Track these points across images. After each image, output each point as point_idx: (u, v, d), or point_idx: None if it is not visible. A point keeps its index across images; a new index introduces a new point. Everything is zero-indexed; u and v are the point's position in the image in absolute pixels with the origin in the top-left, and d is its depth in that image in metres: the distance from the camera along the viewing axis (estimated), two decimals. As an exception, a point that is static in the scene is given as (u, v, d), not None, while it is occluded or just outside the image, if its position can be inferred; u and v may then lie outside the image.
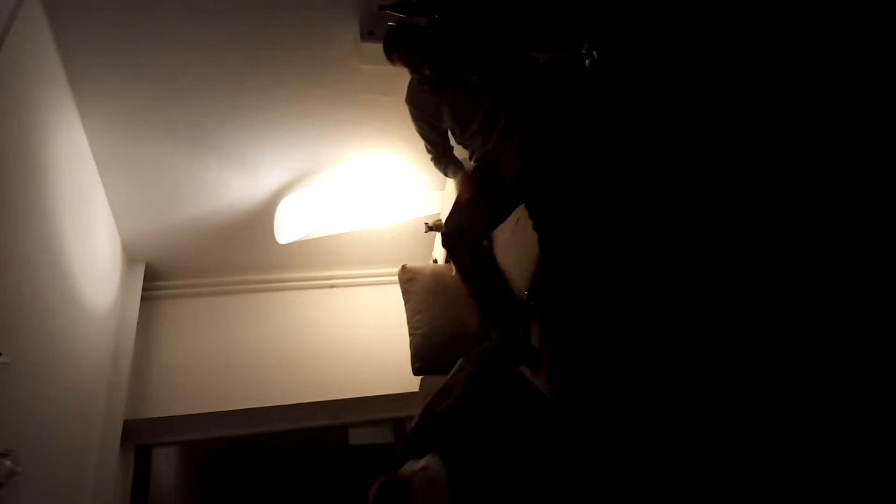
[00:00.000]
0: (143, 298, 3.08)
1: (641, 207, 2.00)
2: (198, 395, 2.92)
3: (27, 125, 2.03)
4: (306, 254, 3.27)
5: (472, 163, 2.39)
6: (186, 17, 2.29)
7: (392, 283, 3.08)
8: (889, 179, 1.44)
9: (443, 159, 2.45)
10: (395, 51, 2.14)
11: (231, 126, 2.67)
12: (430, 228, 2.87)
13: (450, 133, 2.39)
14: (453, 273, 2.81)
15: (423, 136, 2.40)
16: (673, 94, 2.09)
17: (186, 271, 3.26)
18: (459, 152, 2.49)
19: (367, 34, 2.38)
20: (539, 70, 2.26)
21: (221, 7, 2.29)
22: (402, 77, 2.61)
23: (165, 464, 3.64)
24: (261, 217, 3.07)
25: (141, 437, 2.89)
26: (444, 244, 2.54)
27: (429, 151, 2.45)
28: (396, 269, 2.91)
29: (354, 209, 2.96)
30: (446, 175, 2.52)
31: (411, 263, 2.92)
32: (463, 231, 2.42)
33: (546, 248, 2.13)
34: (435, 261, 3.22)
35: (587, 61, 2.33)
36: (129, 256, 3.12)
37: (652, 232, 1.96)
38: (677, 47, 2.10)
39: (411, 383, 2.71)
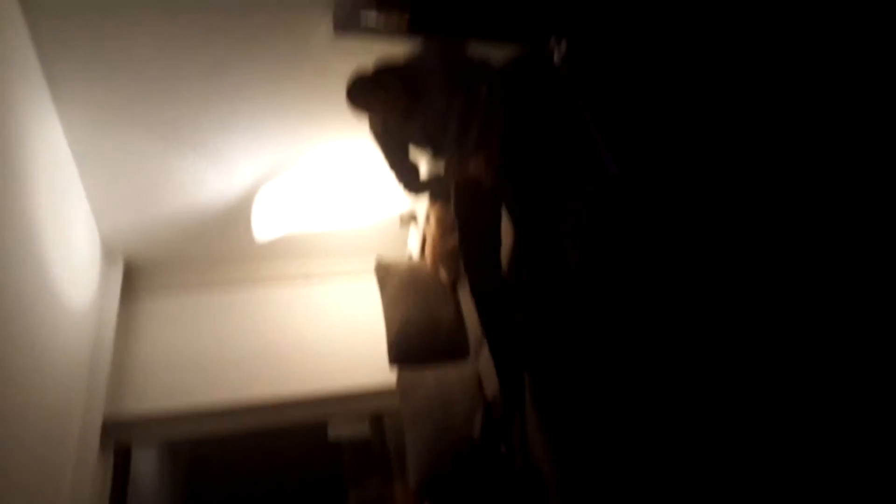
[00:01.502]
0: (122, 293, 3.08)
1: (624, 210, 2.00)
2: (177, 392, 2.91)
3: (3, 121, 2.04)
4: (283, 246, 3.28)
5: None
6: (161, 15, 2.32)
7: (368, 274, 3.10)
8: (889, 179, 1.45)
9: (415, 184, 2.35)
10: (368, 104, 2.09)
11: (207, 120, 2.69)
12: (404, 222, 2.89)
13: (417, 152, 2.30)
14: (428, 266, 2.82)
15: (395, 163, 2.28)
16: (645, 89, 2.11)
17: (166, 266, 3.26)
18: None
19: (340, 28, 2.41)
20: (507, 71, 2.26)
21: (196, 4, 2.32)
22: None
23: (145, 463, 3.62)
24: (238, 210, 3.07)
25: (120, 436, 2.87)
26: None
27: (401, 176, 2.33)
28: (373, 264, 2.93)
29: (331, 204, 2.97)
30: (419, 194, 2.46)
31: (387, 255, 2.93)
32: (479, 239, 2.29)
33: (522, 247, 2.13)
34: (410, 257, 3.24)
35: (555, 55, 2.36)
36: (108, 252, 3.12)
37: (638, 241, 1.95)
38: (649, 41, 2.13)
39: (390, 377, 2.72)
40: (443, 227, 2.69)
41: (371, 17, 2.40)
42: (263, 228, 3.01)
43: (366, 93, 2.05)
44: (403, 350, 2.64)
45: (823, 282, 1.53)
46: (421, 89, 2.08)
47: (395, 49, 2.46)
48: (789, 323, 1.59)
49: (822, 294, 1.53)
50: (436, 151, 2.28)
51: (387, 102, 2.05)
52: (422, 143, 2.24)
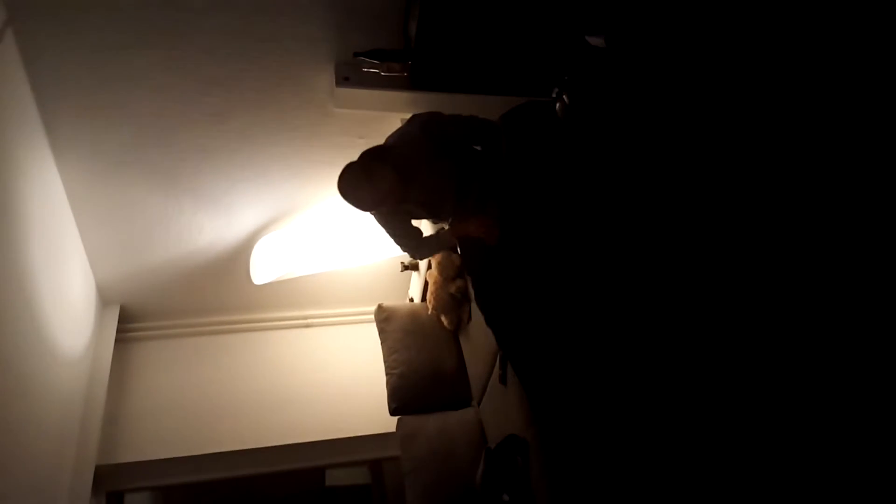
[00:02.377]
0: (117, 340, 3.05)
1: (623, 261, 2.02)
2: (171, 439, 2.87)
3: (-1, 167, 2.04)
4: (282, 294, 3.27)
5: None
6: (161, 65, 2.33)
7: (368, 321, 3.09)
8: (889, 179, 1.46)
9: (421, 245, 2.27)
10: (360, 199, 1.98)
11: (206, 169, 2.69)
12: (405, 268, 2.89)
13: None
14: (430, 312, 2.82)
15: (397, 234, 2.21)
16: (646, 137, 2.15)
17: (162, 313, 3.24)
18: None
19: (342, 80, 2.43)
20: (505, 125, 2.29)
21: (197, 54, 2.33)
22: (377, 121, 2.68)
23: (138, 508, 3.55)
24: (236, 258, 3.07)
25: (112, 483, 2.81)
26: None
27: (405, 246, 2.25)
28: (373, 308, 2.92)
29: (329, 249, 2.98)
30: (427, 255, 2.43)
31: (388, 302, 2.93)
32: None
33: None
34: (411, 299, 3.23)
35: (557, 105, 2.40)
36: (104, 298, 3.09)
37: (636, 290, 1.97)
38: (649, 92, 2.17)
39: (389, 423, 2.70)
40: (445, 274, 2.70)
41: (372, 69, 2.43)
42: (261, 272, 3.00)
43: (357, 188, 1.94)
44: (404, 399, 2.62)
45: (821, 286, 1.55)
46: (412, 171, 2.00)
47: (395, 99, 2.52)
48: (789, 325, 1.61)
49: (820, 296, 1.55)
50: (436, 220, 2.28)
51: (379, 193, 1.94)
52: (421, 216, 2.22)
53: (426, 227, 2.59)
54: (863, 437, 1.42)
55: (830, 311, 1.53)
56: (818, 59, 1.63)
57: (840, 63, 1.58)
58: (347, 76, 2.44)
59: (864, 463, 1.40)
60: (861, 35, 1.55)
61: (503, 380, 2.34)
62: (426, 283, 2.84)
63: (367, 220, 2.97)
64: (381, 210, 2.10)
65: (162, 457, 2.83)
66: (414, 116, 2.13)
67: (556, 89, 2.41)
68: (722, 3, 1.92)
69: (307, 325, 3.38)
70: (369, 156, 1.98)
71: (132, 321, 3.20)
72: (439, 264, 2.70)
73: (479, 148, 2.18)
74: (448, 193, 2.12)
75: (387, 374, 2.70)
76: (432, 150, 2.05)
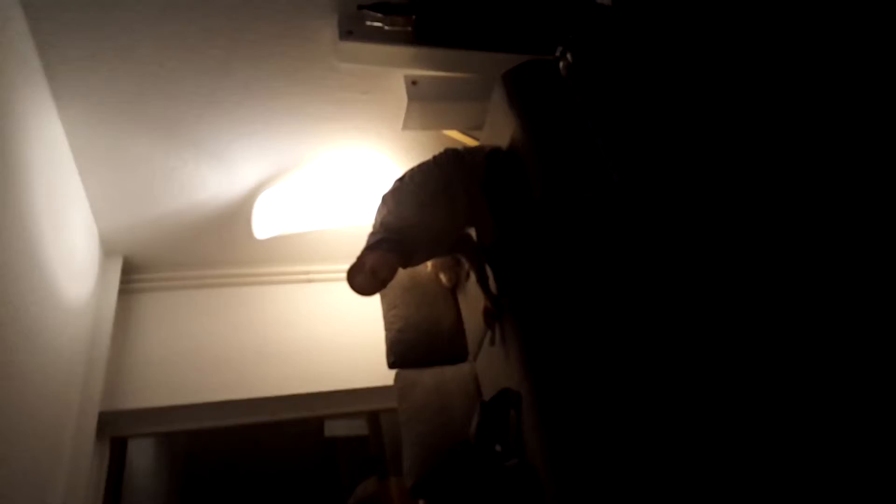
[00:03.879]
0: (120, 291, 3.08)
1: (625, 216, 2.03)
2: (174, 388, 2.93)
3: (2, 117, 2.03)
4: (284, 248, 3.29)
5: None
6: (165, 15, 2.30)
7: (369, 278, 3.11)
8: (889, 179, 1.47)
9: None
10: (374, 290, 2.19)
11: (209, 121, 2.68)
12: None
13: None
14: (428, 269, 2.86)
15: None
16: (648, 98, 2.14)
17: (164, 264, 3.26)
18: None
19: (346, 33, 2.41)
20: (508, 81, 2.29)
21: (201, 3, 2.30)
22: (379, 76, 2.66)
23: (141, 455, 3.65)
24: (238, 212, 3.08)
25: (116, 429, 2.89)
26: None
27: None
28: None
29: (332, 205, 2.99)
30: None
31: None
32: None
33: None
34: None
35: (561, 64, 2.39)
36: (107, 249, 3.11)
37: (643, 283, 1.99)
38: (654, 53, 2.16)
39: (387, 377, 2.76)
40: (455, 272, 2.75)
41: (377, 22, 2.41)
42: (263, 226, 3.03)
43: (368, 288, 2.15)
44: (402, 354, 2.68)
45: (822, 287, 1.57)
46: (409, 245, 2.18)
47: (398, 55, 2.50)
48: (788, 329, 1.63)
49: (820, 299, 1.57)
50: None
51: (387, 278, 2.15)
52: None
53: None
54: (866, 438, 1.44)
55: (831, 311, 1.54)
56: (819, 29, 1.63)
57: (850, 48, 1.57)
58: (351, 29, 2.41)
59: (866, 463, 1.43)
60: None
61: (492, 340, 2.40)
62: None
63: (369, 178, 3.01)
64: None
65: (165, 405, 2.90)
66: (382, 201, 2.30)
67: (561, 48, 2.40)
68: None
69: (308, 280, 3.41)
70: (365, 254, 2.16)
71: (135, 272, 3.22)
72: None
73: None
74: (446, 241, 2.29)
75: (386, 329, 2.75)
76: (423, 203, 2.20)
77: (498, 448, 2.25)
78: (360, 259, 2.14)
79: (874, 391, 1.43)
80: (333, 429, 3.82)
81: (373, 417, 3.41)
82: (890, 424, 1.39)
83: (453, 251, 2.47)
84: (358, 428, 3.63)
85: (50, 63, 2.34)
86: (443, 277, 2.80)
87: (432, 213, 2.19)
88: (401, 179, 2.30)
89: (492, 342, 2.43)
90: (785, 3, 1.73)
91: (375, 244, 2.16)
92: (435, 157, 2.30)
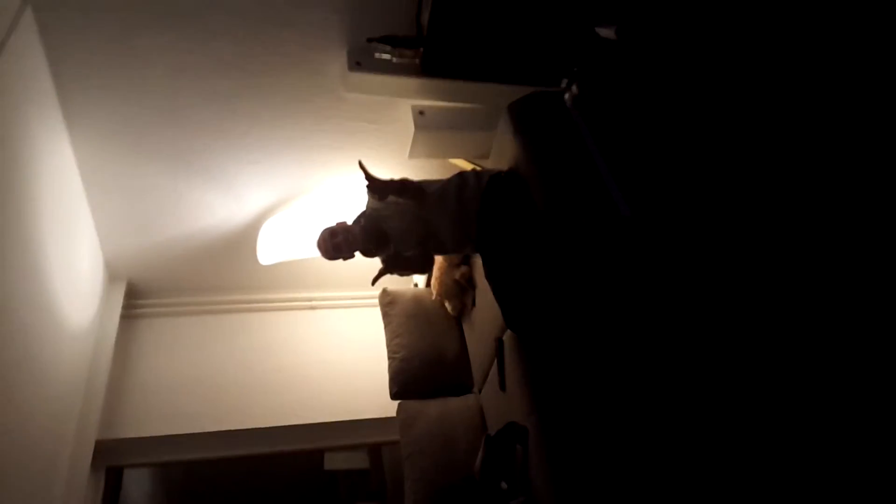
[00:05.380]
0: (122, 317, 3.07)
1: (630, 248, 2.03)
2: (173, 416, 2.89)
3: (13, 139, 2.06)
4: (287, 275, 3.29)
5: None
6: (179, 45, 2.35)
7: (372, 305, 3.10)
8: (889, 179, 1.47)
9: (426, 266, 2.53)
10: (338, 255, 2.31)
11: (218, 148, 2.71)
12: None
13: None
14: (434, 297, 2.84)
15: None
16: (654, 130, 2.15)
17: (168, 290, 3.26)
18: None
19: (355, 64, 2.45)
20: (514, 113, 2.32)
21: (214, 36, 2.36)
22: (387, 106, 2.70)
23: (136, 486, 3.58)
24: (243, 238, 3.09)
25: (112, 458, 2.83)
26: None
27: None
28: (377, 292, 2.94)
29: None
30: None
31: (392, 286, 2.94)
32: None
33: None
34: (416, 285, 3.25)
35: (566, 96, 2.42)
36: (112, 274, 3.12)
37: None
38: (658, 86, 2.18)
39: (389, 407, 2.72)
40: (449, 259, 2.72)
41: (385, 55, 2.45)
42: (268, 253, 3.02)
43: (323, 244, 2.30)
44: (405, 384, 2.63)
45: (822, 286, 1.55)
46: (383, 232, 2.29)
47: (406, 86, 2.53)
48: (785, 325, 1.61)
49: (820, 296, 1.55)
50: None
51: (340, 249, 2.28)
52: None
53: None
54: (865, 439, 1.42)
55: (831, 311, 1.53)
56: (824, 55, 1.64)
57: (847, 58, 1.59)
58: (360, 61, 2.46)
59: (865, 463, 1.40)
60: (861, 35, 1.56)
61: (502, 386, 2.35)
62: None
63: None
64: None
65: (162, 434, 2.85)
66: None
67: (566, 80, 2.43)
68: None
69: (312, 308, 3.40)
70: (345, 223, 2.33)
71: (138, 297, 3.22)
72: (444, 251, 2.70)
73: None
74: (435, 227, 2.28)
75: (389, 357, 2.72)
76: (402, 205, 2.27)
77: (504, 485, 2.18)
78: (340, 223, 2.32)
79: (873, 392, 1.41)
80: (334, 462, 3.74)
81: (374, 450, 3.34)
82: (889, 425, 1.36)
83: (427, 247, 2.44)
84: (359, 461, 3.56)
85: (64, 91, 2.39)
86: (448, 306, 2.77)
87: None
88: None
89: (500, 386, 2.38)
90: (788, 38, 1.75)
91: (356, 218, 2.32)
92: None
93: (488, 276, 2.23)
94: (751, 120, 1.85)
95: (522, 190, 2.21)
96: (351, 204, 3.02)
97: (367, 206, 2.38)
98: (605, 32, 2.29)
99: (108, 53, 2.32)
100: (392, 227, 2.30)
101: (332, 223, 2.34)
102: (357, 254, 2.36)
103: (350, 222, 2.35)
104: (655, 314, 1.89)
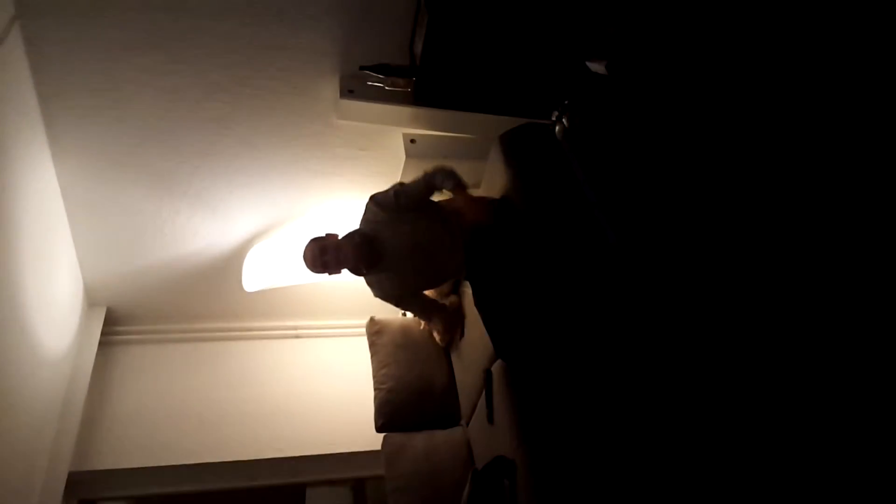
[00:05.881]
0: (101, 343, 2.99)
1: (619, 275, 2.02)
2: (149, 448, 2.79)
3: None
4: (272, 303, 3.24)
5: None
6: (168, 69, 2.34)
7: (359, 335, 3.05)
8: (889, 179, 1.47)
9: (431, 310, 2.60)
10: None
11: (204, 173, 2.68)
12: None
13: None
14: (422, 328, 2.80)
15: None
16: (643, 161, 2.17)
17: (149, 317, 3.18)
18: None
19: (347, 92, 2.46)
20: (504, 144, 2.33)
21: (203, 59, 2.35)
22: (378, 134, 2.70)
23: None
24: (228, 265, 3.04)
25: (85, 491, 2.72)
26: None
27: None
28: (364, 321, 2.89)
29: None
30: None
31: (380, 316, 2.90)
32: None
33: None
34: (404, 314, 3.21)
35: (556, 128, 2.44)
36: (91, 299, 3.04)
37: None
38: (648, 120, 2.21)
39: (374, 440, 2.65)
40: (439, 290, 2.69)
41: (377, 83, 2.46)
42: (253, 279, 2.98)
43: (309, 256, 2.27)
44: (391, 416, 2.57)
45: (820, 290, 1.54)
46: (377, 250, 2.28)
47: (398, 114, 2.54)
48: (785, 325, 1.60)
49: (819, 298, 1.54)
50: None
51: (329, 267, 2.27)
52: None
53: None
54: (862, 440, 1.41)
55: (830, 312, 1.53)
56: (817, 84, 1.67)
57: (838, 77, 1.62)
58: (352, 89, 2.47)
59: (864, 464, 1.39)
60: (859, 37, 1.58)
61: (490, 419, 2.31)
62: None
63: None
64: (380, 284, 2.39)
65: (139, 465, 2.75)
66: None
67: (556, 112, 2.46)
68: (722, 33, 1.97)
69: (296, 336, 3.34)
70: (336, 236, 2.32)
71: (118, 324, 3.14)
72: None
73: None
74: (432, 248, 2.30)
75: (375, 388, 2.66)
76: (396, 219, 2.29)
77: None
78: (331, 236, 2.29)
79: (873, 394, 1.40)
80: (316, 498, 3.63)
81: (358, 485, 3.24)
82: (890, 424, 1.35)
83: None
84: (342, 497, 3.45)
85: (50, 112, 2.35)
86: (437, 336, 2.73)
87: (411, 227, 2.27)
88: (396, 194, 2.29)
89: (488, 419, 2.34)
90: (775, 76, 1.78)
91: (350, 234, 2.29)
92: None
93: (477, 305, 2.21)
94: (737, 155, 1.87)
95: (511, 220, 2.21)
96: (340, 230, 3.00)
97: (364, 223, 2.34)
98: (596, 67, 2.33)
99: (94, 73, 2.29)
100: (388, 248, 2.25)
101: (322, 233, 2.31)
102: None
103: (341, 235, 2.31)
104: (643, 341, 1.88)
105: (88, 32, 2.19)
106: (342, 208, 2.96)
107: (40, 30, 2.15)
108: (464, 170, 2.70)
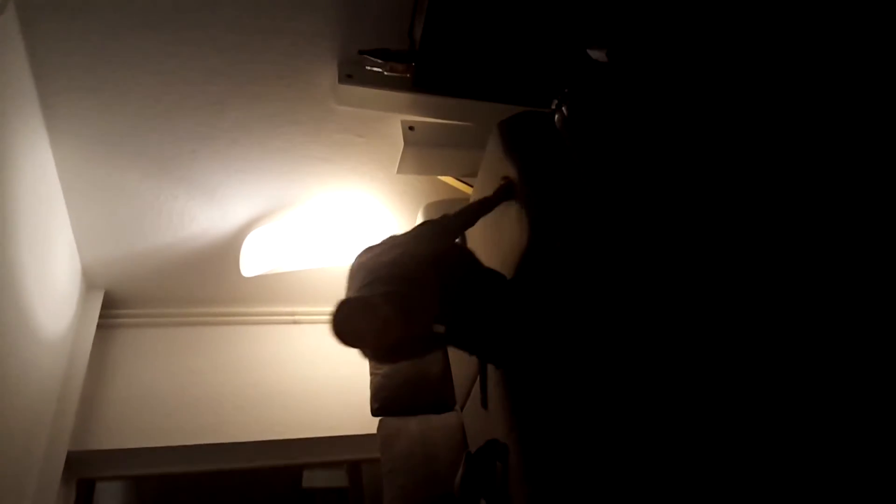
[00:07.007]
0: (99, 326, 3.00)
1: (615, 270, 2.03)
2: (148, 429, 2.82)
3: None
4: (270, 288, 3.25)
5: None
6: (167, 51, 2.32)
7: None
8: (889, 179, 1.47)
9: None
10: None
11: (202, 157, 2.68)
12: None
13: None
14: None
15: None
16: (644, 152, 2.17)
17: (147, 300, 3.20)
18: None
19: (345, 77, 2.45)
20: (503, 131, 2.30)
21: (201, 42, 2.33)
22: (377, 120, 2.69)
23: (108, 500, 3.48)
24: (226, 250, 3.05)
25: (84, 470, 2.76)
26: None
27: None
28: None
29: (321, 246, 2.97)
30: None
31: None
32: None
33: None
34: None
35: (556, 117, 2.43)
36: (89, 283, 3.05)
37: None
38: (649, 108, 2.20)
39: (370, 424, 2.68)
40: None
41: (376, 68, 2.45)
42: (251, 264, 2.99)
43: (369, 334, 1.65)
44: (387, 400, 2.60)
45: (823, 285, 1.55)
46: (412, 304, 1.68)
47: (396, 100, 2.53)
48: (785, 325, 1.62)
49: (818, 299, 1.55)
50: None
51: (377, 324, 1.61)
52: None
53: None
54: (862, 441, 1.43)
55: (829, 312, 1.54)
56: (818, 71, 1.67)
57: (839, 76, 1.62)
58: (351, 74, 2.46)
59: (864, 465, 1.41)
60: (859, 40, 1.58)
61: (484, 404, 2.34)
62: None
63: (361, 220, 3.00)
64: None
65: (136, 446, 2.78)
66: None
67: (556, 101, 2.45)
68: (723, 20, 1.96)
69: (294, 322, 3.35)
70: (377, 298, 1.67)
71: (116, 307, 3.15)
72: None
73: None
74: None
75: (371, 374, 2.68)
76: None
77: (483, 502, 2.17)
78: (371, 301, 1.64)
79: (872, 396, 1.41)
80: (312, 479, 3.68)
81: (354, 468, 3.29)
82: (890, 424, 1.37)
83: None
84: (338, 479, 3.50)
85: (46, 94, 2.34)
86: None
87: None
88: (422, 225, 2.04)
89: (482, 404, 2.37)
90: (780, 57, 1.78)
91: (386, 294, 1.64)
92: None
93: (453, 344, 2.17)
94: (739, 143, 1.87)
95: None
96: (337, 217, 3.01)
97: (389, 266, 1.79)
98: (597, 55, 2.32)
99: (91, 54, 2.27)
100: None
101: (369, 303, 1.63)
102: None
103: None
104: (637, 331, 1.90)
105: (86, 12, 2.17)
106: (339, 195, 2.97)
107: (36, 10, 2.13)
108: (462, 158, 2.72)
